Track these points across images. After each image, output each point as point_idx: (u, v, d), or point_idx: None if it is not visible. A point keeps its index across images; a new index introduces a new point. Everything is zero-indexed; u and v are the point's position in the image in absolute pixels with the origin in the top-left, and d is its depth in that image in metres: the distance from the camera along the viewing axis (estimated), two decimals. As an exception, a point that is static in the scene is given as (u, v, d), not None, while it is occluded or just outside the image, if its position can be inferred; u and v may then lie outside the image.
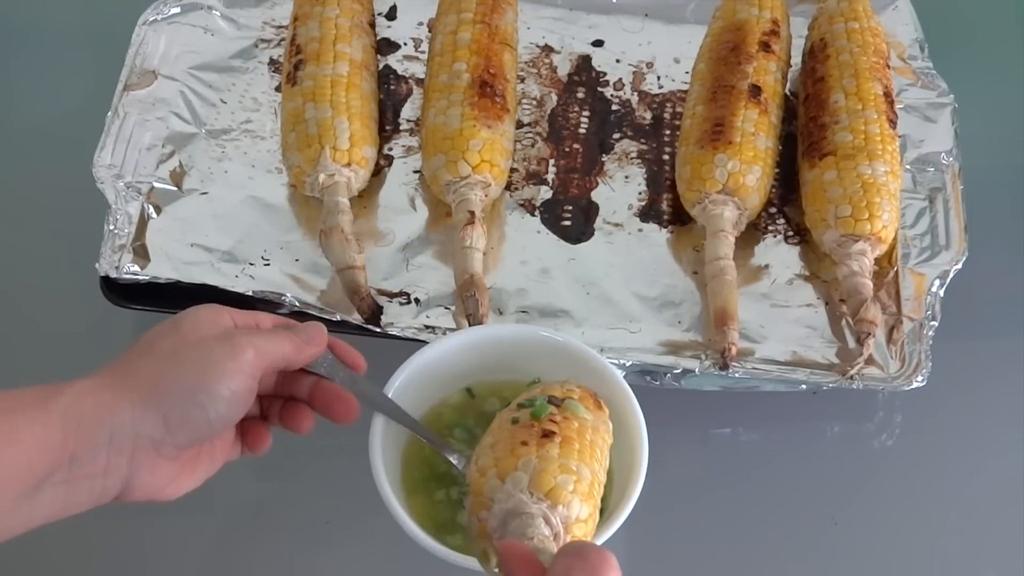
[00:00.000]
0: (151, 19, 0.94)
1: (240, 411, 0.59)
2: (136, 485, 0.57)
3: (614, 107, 0.94)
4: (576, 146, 0.91)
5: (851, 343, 0.79)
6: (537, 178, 0.89)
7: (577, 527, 0.56)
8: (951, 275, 0.82)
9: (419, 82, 0.94)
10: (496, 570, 0.56)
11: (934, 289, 0.81)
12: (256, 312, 0.64)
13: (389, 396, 0.65)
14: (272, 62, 0.94)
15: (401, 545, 0.61)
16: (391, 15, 0.99)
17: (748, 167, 0.83)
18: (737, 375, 0.76)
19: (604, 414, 0.64)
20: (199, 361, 0.58)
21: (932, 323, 0.79)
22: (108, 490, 0.56)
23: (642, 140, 0.92)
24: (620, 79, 0.96)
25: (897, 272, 0.82)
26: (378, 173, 0.88)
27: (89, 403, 0.55)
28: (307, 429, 0.65)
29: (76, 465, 0.54)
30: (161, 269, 0.79)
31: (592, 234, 0.86)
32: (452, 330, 0.77)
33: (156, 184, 0.84)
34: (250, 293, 0.77)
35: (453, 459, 0.65)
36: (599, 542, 0.61)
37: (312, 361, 0.63)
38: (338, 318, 0.76)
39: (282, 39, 0.95)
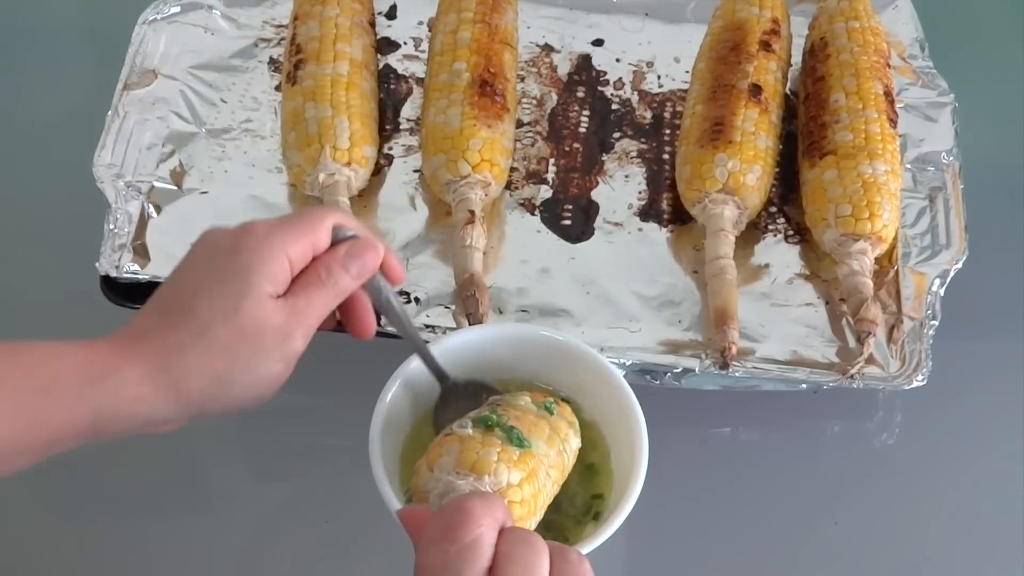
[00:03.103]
0: (151, 18, 0.93)
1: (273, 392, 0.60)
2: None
3: (614, 106, 0.94)
4: (576, 145, 0.91)
5: (851, 342, 0.79)
6: (537, 177, 0.89)
7: (511, 492, 0.57)
8: (951, 274, 0.82)
9: (419, 81, 0.94)
10: None
11: (934, 288, 0.81)
12: (314, 230, 0.61)
13: (388, 399, 0.65)
14: (272, 61, 0.94)
15: (401, 545, 0.61)
16: (391, 14, 0.99)
17: (748, 166, 0.83)
18: (737, 374, 0.76)
19: (560, 408, 0.65)
20: (252, 363, 0.57)
21: (932, 322, 0.79)
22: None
23: (642, 139, 0.92)
24: (620, 78, 0.96)
25: (897, 271, 0.82)
26: (378, 172, 0.88)
27: (129, 395, 0.54)
28: (331, 325, 0.64)
29: (103, 435, 0.55)
30: (161, 269, 0.79)
31: (592, 233, 0.86)
32: (452, 329, 0.77)
33: (156, 183, 0.84)
34: (250, 293, 0.77)
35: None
36: (600, 541, 0.61)
37: None
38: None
39: (282, 38, 0.95)
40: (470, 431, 0.60)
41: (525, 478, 0.58)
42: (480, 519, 0.47)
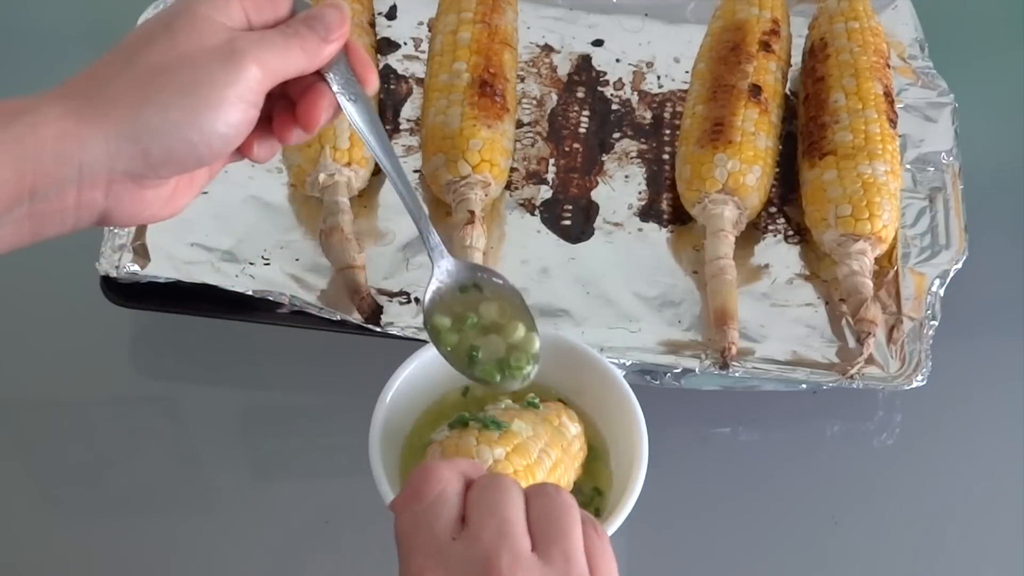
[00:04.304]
0: (151, 19, 0.94)
1: (237, 142, 0.51)
2: (118, 216, 0.51)
3: (614, 107, 0.94)
4: (576, 146, 0.91)
5: (851, 342, 0.79)
6: (537, 178, 0.89)
7: (500, 467, 0.58)
8: (951, 275, 0.82)
9: (419, 82, 0.94)
10: None
11: (934, 288, 0.81)
12: None
13: (388, 399, 0.65)
14: (272, 62, 0.94)
15: (401, 545, 0.61)
16: (391, 15, 0.99)
17: (748, 167, 0.83)
18: (737, 375, 0.76)
19: (549, 404, 0.65)
20: (191, 84, 0.48)
21: (932, 323, 0.79)
22: (83, 221, 0.50)
23: (642, 140, 0.92)
24: (620, 79, 0.96)
25: (897, 271, 0.82)
26: (378, 172, 0.87)
27: (50, 133, 0.47)
28: (291, 140, 0.56)
29: (39, 200, 0.48)
30: (161, 269, 0.79)
31: (592, 234, 0.86)
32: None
33: (156, 184, 0.84)
34: (250, 292, 0.77)
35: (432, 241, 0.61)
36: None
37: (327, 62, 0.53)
38: (338, 317, 0.76)
39: (282, 39, 0.95)
40: (447, 433, 0.61)
41: (511, 451, 0.59)
42: (441, 474, 0.48)
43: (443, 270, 0.62)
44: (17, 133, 0.46)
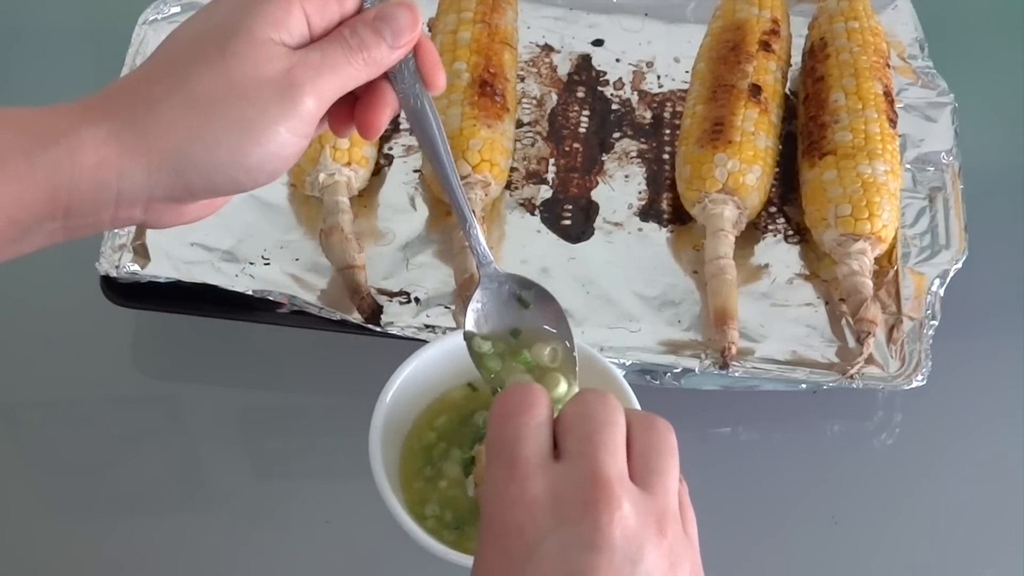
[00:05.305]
0: (151, 18, 0.93)
1: (283, 172, 0.50)
2: (157, 225, 0.50)
3: (614, 106, 0.94)
4: (576, 145, 0.91)
5: (851, 342, 0.79)
6: (537, 177, 0.89)
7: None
8: (951, 274, 0.82)
9: (419, 81, 0.94)
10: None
11: (934, 288, 0.81)
12: None
13: (388, 399, 0.65)
14: (272, 61, 0.94)
15: (401, 544, 0.61)
16: (391, 14, 0.99)
17: (748, 166, 0.83)
18: (737, 374, 0.76)
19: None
20: (243, 121, 0.46)
21: (932, 322, 0.79)
22: (119, 227, 0.51)
23: (642, 139, 0.92)
24: (620, 78, 0.96)
25: (897, 271, 0.82)
26: (378, 172, 0.88)
27: (89, 160, 0.45)
28: (347, 135, 0.54)
29: (75, 216, 0.46)
30: (161, 268, 0.79)
31: (592, 233, 0.86)
32: (452, 329, 0.77)
33: (156, 183, 0.84)
34: (250, 292, 0.77)
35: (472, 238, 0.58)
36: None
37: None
38: (338, 317, 0.77)
39: (282, 38, 0.95)
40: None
41: None
42: (545, 399, 0.47)
43: (489, 279, 0.60)
44: (54, 158, 0.45)
